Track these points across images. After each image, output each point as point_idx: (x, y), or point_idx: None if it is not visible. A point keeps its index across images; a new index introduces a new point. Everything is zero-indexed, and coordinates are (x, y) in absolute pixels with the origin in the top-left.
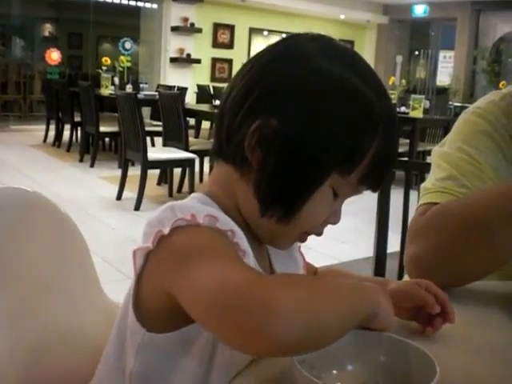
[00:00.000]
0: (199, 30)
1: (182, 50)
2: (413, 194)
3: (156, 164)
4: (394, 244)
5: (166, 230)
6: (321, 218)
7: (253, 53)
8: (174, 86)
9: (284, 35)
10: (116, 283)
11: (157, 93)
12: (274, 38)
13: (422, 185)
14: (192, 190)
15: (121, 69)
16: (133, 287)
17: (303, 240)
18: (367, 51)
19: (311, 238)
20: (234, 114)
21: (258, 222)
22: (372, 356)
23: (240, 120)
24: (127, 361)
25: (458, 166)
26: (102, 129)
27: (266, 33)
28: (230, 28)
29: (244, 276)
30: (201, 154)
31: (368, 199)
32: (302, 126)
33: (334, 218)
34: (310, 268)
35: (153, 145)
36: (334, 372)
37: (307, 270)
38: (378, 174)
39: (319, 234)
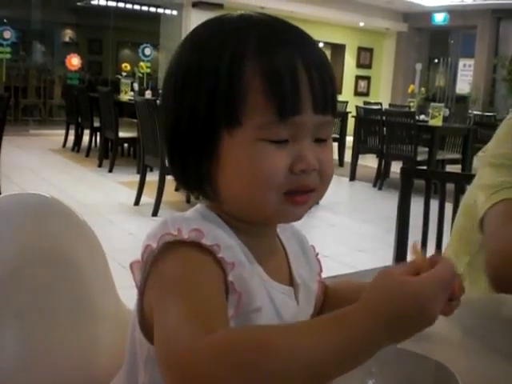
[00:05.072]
0: None
1: None
2: (433, 203)
3: None
4: None
5: (154, 245)
6: (270, 169)
7: None
8: None
9: None
10: (133, 289)
11: None
12: None
13: (477, 183)
14: None
15: (140, 75)
16: (137, 301)
17: (297, 201)
18: (386, 59)
19: (328, 247)
20: None
21: (233, 205)
22: (393, 371)
23: None
24: (139, 373)
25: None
26: (121, 134)
27: None
28: None
29: (193, 338)
30: None
31: (387, 208)
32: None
33: (300, 164)
34: (321, 285)
35: None
36: None
37: (319, 288)
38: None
39: (301, 186)
